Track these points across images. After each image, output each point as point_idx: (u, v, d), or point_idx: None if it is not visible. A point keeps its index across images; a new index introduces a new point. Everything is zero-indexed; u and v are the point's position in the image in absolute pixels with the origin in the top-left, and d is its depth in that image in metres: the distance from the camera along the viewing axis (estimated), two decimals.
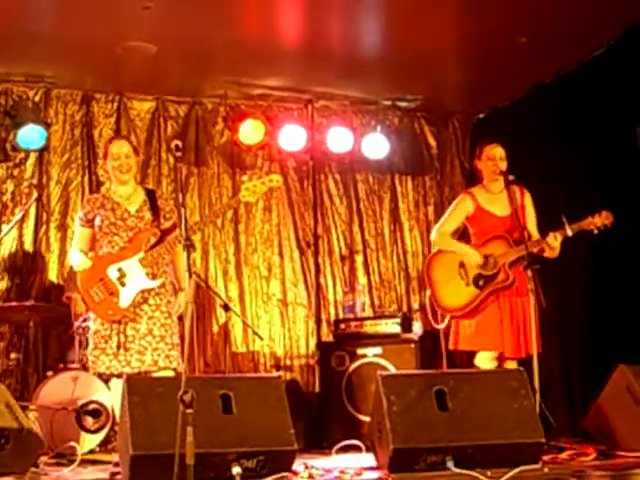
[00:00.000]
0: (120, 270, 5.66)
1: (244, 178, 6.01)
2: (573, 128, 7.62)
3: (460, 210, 6.39)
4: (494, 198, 6.31)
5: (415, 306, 8.90)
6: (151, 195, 5.96)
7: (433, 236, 6.50)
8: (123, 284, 5.65)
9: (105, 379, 6.17)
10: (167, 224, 5.82)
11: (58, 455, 5.97)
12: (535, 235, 6.19)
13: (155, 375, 5.56)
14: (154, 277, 5.70)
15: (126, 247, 5.72)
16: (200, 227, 6.09)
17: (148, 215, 5.82)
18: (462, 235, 6.59)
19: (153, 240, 5.74)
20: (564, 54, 7.51)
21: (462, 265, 6.21)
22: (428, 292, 6.39)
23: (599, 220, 5.98)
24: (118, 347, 5.59)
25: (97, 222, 5.82)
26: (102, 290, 5.64)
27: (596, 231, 5.99)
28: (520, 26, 7.02)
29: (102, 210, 5.82)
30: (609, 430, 5.63)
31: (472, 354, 6.26)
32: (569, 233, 5.98)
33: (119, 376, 5.50)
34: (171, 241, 5.69)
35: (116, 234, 5.76)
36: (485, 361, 6.12)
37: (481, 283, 6.12)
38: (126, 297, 5.64)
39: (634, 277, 6.97)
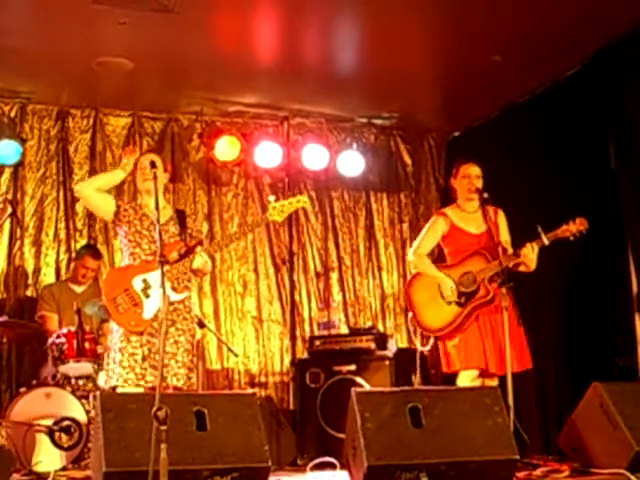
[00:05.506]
0: (145, 281, 5.64)
1: (270, 198, 5.99)
2: (547, 147, 7.66)
3: (434, 230, 6.38)
4: (468, 217, 6.32)
5: (389, 323, 8.93)
6: (180, 214, 5.98)
7: (410, 257, 6.50)
8: (147, 295, 5.62)
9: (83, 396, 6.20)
10: (193, 242, 5.82)
11: (30, 472, 5.93)
12: (510, 251, 6.18)
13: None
14: (178, 291, 5.70)
15: (151, 259, 5.66)
16: (221, 246, 6.15)
17: (173, 229, 5.83)
18: (439, 256, 6.60)
19: (176, 255, 5.69)
20: (538, 73, 7.56)
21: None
22: (410, 314, 6.38)
23: (574, 227, 6.02)
24: (143, 359, 5.55)
25: (124, 228, 5.80)
26: (126, 300, 5.60)
27: (572, 238, 6.02)
28: (495, 45, 7.07)
29: (132, 216, 5.82)
30: (582, 447, 5.62)
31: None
32: (546, 242, 6.00)
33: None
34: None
35: (139, 245, 5.75)
36: (467, 381, 6.06)
37: (462, 300, 6.11)
38: (150, 309, 5.60)
39: (609, 294, 7.02)
